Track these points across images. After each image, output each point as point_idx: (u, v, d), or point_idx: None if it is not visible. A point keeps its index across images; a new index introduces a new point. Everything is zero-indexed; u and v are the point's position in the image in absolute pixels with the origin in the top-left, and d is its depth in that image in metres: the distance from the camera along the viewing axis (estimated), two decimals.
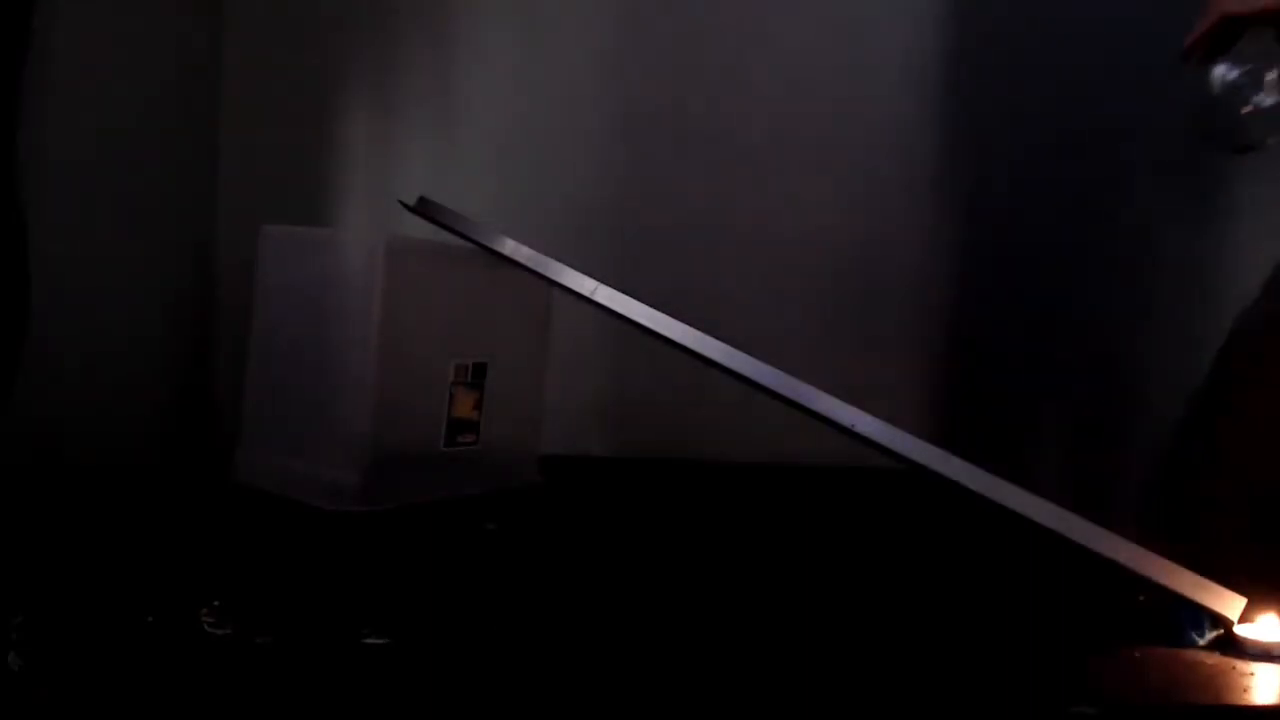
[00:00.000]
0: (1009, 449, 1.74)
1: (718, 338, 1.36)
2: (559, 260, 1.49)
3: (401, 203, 1.56)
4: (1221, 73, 1.24)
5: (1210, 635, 1.13)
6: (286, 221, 1.57)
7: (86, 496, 1.37)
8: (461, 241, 1.54)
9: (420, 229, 1.58)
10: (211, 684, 0.88)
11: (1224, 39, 1.22)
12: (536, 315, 1.63)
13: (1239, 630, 1.12)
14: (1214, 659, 1.10)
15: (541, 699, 0.90)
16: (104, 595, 1.03)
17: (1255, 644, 1.10)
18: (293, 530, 1.34)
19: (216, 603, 1.00)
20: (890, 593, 1.27)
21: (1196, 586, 1.13)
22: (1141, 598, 1.18)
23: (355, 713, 0.85)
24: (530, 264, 1.49)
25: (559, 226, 1.87)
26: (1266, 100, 1.20)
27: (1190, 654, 1.11)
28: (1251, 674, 1.06)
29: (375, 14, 1.96)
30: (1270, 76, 1.20)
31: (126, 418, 1.65)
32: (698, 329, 1.37)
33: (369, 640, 0.96)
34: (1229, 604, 1.12)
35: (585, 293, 1.44)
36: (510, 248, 1.50)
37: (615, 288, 1.43)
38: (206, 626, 0.96)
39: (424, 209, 1.55)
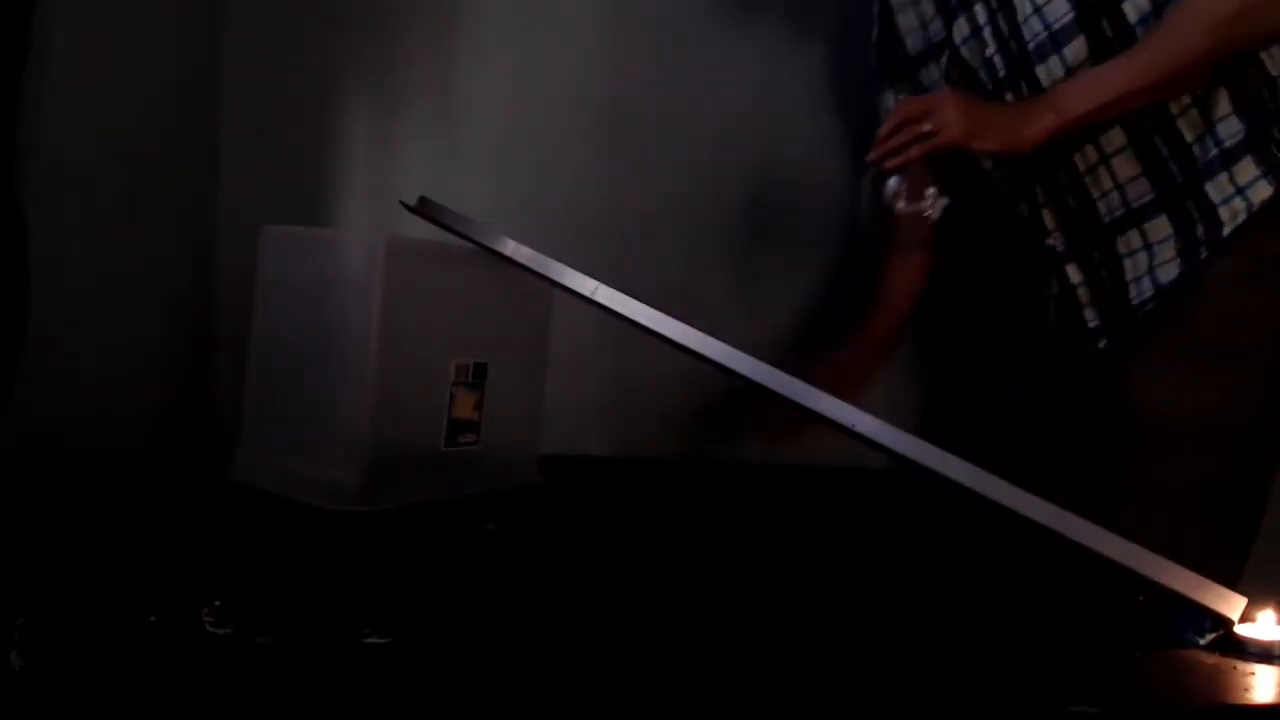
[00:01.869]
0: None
1: (718, 338, 1.36)
2: (559, 260, 1.48)
3: (402, 203, 1.56)
4: (893, 185, 1.55)
5: (1210, 635, 1.13)
6: (286, 221, 1.57)
7: (86, 496, 1.37)
8: (461, 241, 1.53)
9: (420, 229, 1.58)
10: (211, 684, 0.88)
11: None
12: (536, 315, 1.63)
13: (1239, 630, 1.12)
14: (1214, 659, 1.10)
15: (541, 699, 0.90)
16: (104, 595, 1.03)
17: (1255, 644, 1.10)
18: (293, 530, 1.34)
19: (217, 603, 1.00)
20: (890, 593, 1.27)
21: (1196, 586, 1.13)
22: (1141, 598, 1.18)
23: (355, 713, 0.85)
24: (530, 264, 1.49)
25: (559, 226, 1.87)
26: (926, 209, 1.55)
27: (1190, 654, 1.11)
28: (1251, 674, 1.06)
29: (375, 14, 1.96)
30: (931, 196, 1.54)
31: (126, 418, 1.65)
32: (697, 329, 1.37)
33: (369, 640, 0.96)
34: (1229, 604, 1.12)
35: (585, 293, 1.44)
36: (510, 248, 1.50)
37: (615, 288, 1.43)
38: (207, 626, 0.96)
39: (424, 209, 1.55)
